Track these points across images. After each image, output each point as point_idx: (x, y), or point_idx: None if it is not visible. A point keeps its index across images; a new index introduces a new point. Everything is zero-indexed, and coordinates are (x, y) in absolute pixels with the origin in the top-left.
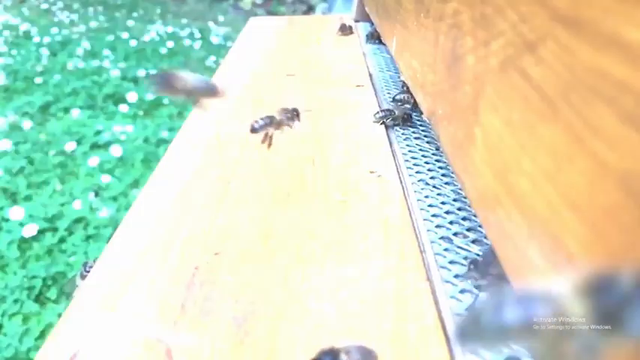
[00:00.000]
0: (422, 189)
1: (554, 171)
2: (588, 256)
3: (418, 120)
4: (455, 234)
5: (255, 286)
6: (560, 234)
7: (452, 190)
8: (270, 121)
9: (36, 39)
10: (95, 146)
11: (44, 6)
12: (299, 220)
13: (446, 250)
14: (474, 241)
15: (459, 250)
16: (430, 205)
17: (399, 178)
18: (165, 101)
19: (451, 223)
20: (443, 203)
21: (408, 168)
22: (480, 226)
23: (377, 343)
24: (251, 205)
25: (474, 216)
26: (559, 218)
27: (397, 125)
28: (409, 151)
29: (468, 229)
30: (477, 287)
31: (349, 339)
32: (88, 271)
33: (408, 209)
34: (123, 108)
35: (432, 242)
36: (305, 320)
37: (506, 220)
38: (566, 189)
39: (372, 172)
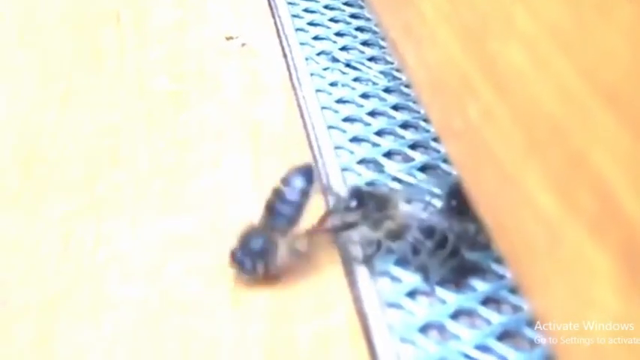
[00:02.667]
0: (325, 69)
1: (572, 28)
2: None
3: None
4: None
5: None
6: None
7: (381, 73)
8: None
9: None
10: None
11: None
12: (89, 130)
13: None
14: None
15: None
16: (341, 101)
17: (282, 47)
18: None
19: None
20: (364, 97)
21: (298, 30)
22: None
23: None
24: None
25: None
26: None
27: None
28: None
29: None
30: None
31: None
32: None
33: (299, 107)
34: None
35: (345, 170)
36: None
37: (484, 122)
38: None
39: (230, 39)
